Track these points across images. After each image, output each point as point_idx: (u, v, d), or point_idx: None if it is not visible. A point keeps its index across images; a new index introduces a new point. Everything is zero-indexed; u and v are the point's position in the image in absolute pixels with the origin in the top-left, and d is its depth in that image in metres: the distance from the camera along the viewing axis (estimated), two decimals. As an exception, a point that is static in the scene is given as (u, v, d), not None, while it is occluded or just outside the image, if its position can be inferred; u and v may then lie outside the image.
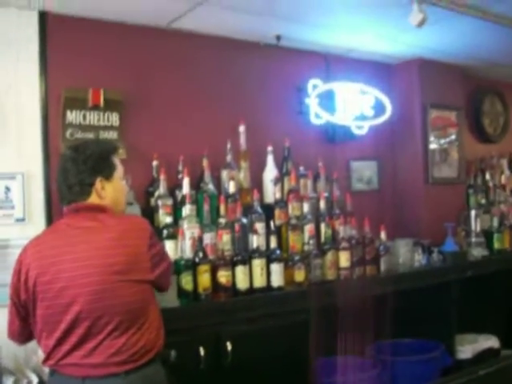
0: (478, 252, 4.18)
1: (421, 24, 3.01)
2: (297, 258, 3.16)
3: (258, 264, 2.98)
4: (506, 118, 5.43)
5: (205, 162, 3.31)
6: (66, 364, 1.92)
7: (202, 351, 2.66)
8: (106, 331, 1.90)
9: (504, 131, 5.40)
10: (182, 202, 3.05)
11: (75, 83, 2.98)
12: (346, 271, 3.36)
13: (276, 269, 3.04)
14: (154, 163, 3.20)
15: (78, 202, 2.03)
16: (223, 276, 2.85)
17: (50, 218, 2.89)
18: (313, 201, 3.52)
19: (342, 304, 3.20)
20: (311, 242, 3.27)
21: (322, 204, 3.50)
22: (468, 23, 3.62)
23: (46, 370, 2.13)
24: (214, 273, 2.84)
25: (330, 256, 3.30)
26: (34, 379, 2.31)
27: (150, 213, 2.99)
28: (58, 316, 1.90)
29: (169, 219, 2.90)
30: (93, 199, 2.03)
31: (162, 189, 3.03)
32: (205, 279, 2.78)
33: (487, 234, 4.35)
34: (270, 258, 3.04)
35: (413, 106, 4.36)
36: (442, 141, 4.51)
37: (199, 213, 3.06)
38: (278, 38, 3.58)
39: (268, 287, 3.01)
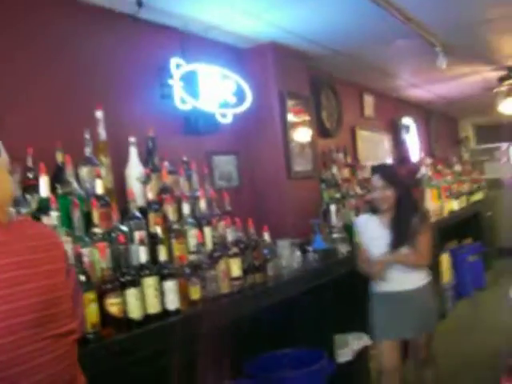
0: (343, 248, 3.98)
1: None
2: (188, 271, 2.56)
3: (150, 284, 2.31)
4: (339, 112, 5.40)
5: (60, 156, 2.53)
6: None
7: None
8: None
9: (338, 125, 5.37)
10: (42, 209, 2.25)
11: None
12: (239, 282, 2.85)
13: (170, 287, 2.39)
14: (-6, 158, 2.33)
15: None
16: (114, 304, 2.13)
17: None
18: (191, 201, 2.94)
19: (238, 322, 2.72)
20: (201, 249, 2.70)
21: (203, 204, 2.95)
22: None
23: None
24: (99, 301, 2.12)
25: (222, 265, 2.76)
26: None
27: None
28: None
29: (30, 233, 2.09)
30: None
31: (15, 191, 2.18)
32: (92, 312, 2.03)
33: (346, 228, 4.18)
34: (161, 274, 2.40)
35: (270, 94, 4.02)
36: (299, 132, 4.24)
37: (63, 222, 2.29)
38: (140, 3, 2.93)
39: (164, 311, 2.37)
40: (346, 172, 4.89)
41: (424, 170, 6.61)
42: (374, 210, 3.38)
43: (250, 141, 4.01)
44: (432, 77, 6.16)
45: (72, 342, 1.23)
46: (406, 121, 7.21)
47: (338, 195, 4.43)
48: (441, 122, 8.89)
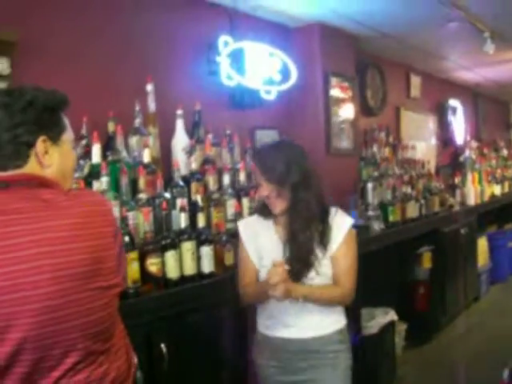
0: (377, 225, 4.11)
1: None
2: (224, 238, 2.76)
3: (188, 248, 2.52)
4: (384, 91, 5.46)
5: (111, 126, 2.75)
6: None
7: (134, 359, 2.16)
8: (65, 366, 1.32)
9: (383, 105, 5.44)
10: (93, 174, 2.48)
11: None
12: (272, 251, 3.03)
13: (207, 252, 2.60)
14: (53, 125, 2.55)
15: (7, 171, 1.37)
16: (153, 264, 2.36)
17: None
18: (231, 172, 3.12)
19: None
20: (238, 218, 2.88)
21: (243, 176, 3.12)
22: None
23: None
24: (141, 261, 2.34)
25: (256, 234, 2.94)
26: None
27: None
28: None
29: (82, 195, 2.31)
30: (31, 167, 1.39)
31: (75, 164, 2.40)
32: (134, 269, 2.26)
33: (382, 207, 4.31)
34: (199, 239, 2.60)
35: (314, 73, 4.14)
36: (341, 110, 4.35)
37: (112, 187, 2.51)
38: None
39: (198, 274, 2.58)
40: (386, 151, 4.97)
41: (468, 153, 6.62)
42: (265, 211, 2.23)
43: (292, 117, 4.14)
44: (481, 60, 6.09)
45: (115, 294, 1.44)
46: (453, 102, 7.17)
47: (376, 174, 4.54)
48: (490, 104, 8.77)
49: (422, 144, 6.29)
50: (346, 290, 2.15)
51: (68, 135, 1.50)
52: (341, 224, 2.19)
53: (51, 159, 1.43)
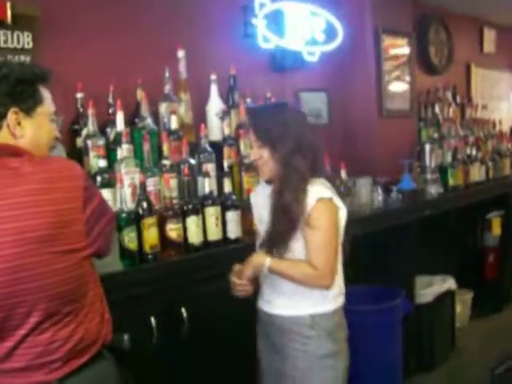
0: (434, 189, 3.91)
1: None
2: (253, 203, 2.72)
3: (212, 213, 2.50)
4: (450, 47, 5.13)
5: (140, 93, 2.75)
6: None
7: (153, 322, 2.19)
8: (29, 324, 1.38)
9: (448, 62, 5.12)
10: (116, 142, 2.50)
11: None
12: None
13: (233, 217, 2.58)
14: (79, 95, 2.59)
15: None
16: (173, 230, 2.35)
17: None
18: (266, 137, 3.05)
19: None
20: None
21: (278, 140, 3.05)
22: None
23: None
24: (161, 226, 2.35)
25: (289, 199, 2.88)
26: None
27: (77, 155, 2.42)
28: None
29: (102, 162, 2.32)
30: (3, 138, 1.45)
31: (91, 126, 2.44)
32: (151, 235, 2.27)
33: (441, 170, 4.09)
34: (224, 204, 2.58)
35: (364, 30, 3.93)
36: (395, 69, 4.14)
37: (137, 154, 2.53)
38: None
39: (224, 239, 2.56)
40: (450, 111, 4.70)
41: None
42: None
43: (341, 78, 3.98)
44: None
45: (82, 257, 1.46)
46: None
47: (436, 135, 4.31)
48: None
49: (496, 103, 5.89)
50: (317, 270, 1.97)
51: (44, 108, 1.53)
52: (309, 195, 1.98)
53: (23, 130, 1.48)
